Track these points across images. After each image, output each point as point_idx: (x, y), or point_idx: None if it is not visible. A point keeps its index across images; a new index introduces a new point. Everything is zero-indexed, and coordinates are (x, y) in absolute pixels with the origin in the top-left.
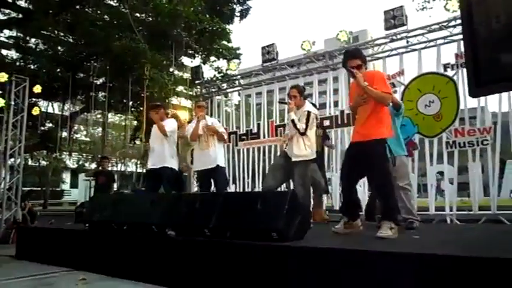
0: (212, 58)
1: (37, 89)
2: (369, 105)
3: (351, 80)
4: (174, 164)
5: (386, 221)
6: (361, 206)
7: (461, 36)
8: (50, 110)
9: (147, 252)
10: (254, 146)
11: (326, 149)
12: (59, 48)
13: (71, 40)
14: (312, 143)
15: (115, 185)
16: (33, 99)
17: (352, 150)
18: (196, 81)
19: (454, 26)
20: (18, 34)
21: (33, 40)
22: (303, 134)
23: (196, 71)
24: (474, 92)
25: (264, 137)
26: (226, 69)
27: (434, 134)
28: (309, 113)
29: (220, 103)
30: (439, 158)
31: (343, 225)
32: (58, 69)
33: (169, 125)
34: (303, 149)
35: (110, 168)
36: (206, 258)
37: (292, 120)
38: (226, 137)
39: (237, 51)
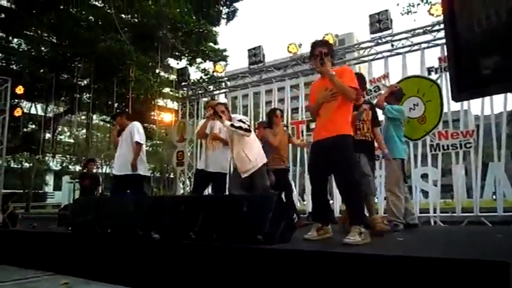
0: (198, 60)
1: (20, 89)
2: (337, 101)
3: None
4: (141, 170)
5: (355, 225)
6: (332, 209)
7: (444, 41)
8: (33, 111)
9: (131, 255)
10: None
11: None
12: (43, 48)
13: (55, 40)
14: (253, 148)
15: (100, 188)
16: (16, 100)
17: (318, 147)
18: (183, 83)
19: (438, 30)
20: (1, 34)
21: (15, 40)
22: (249, 131)
23: (182, 73)
24: (457, 96)
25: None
26: (213, 71)
27: (418, 136)
28: (240, 120)
29: (207, 105)
30: (423, 160)
31: (315, 231)
32: (41, 70)
33: (134, 130)
34: (248, 160)
35: (95, 171)
36: (191, 261)
37: (232, 125)
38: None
39: (224, 53)
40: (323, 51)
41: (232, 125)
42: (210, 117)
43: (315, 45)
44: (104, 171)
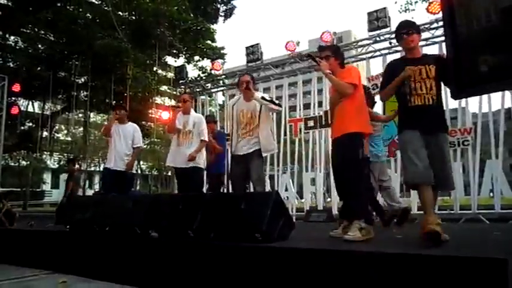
0: (196, 58)
1: (16, 87)
2: (346, 100)
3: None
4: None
5: (355, 220)
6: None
7: (443, 38)
8: (30, 109)
9: (129, 254)
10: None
11: None
12: (40, 46)
13: (52, 38)
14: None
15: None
16: (13, 98)
17: (332, 147)
18: (180, 81)
19: (436, 28)
20: None
21: (12, 38)
22: (281, 106)
23: (180, 71)
24: (456, 94)
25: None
26: (211, 69)
27: None
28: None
29: (205, 103)
30: None
31: (341, 229)
32: (38, 68)
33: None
34: (272, 140)
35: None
36: (189, 259)
37: (263, 97)
38: (205, 138)
39: (222, 51)
40: (323, 56)
41: (263, 98)
42: (177, 111)
43: (318, 50)
44: (101, 169)
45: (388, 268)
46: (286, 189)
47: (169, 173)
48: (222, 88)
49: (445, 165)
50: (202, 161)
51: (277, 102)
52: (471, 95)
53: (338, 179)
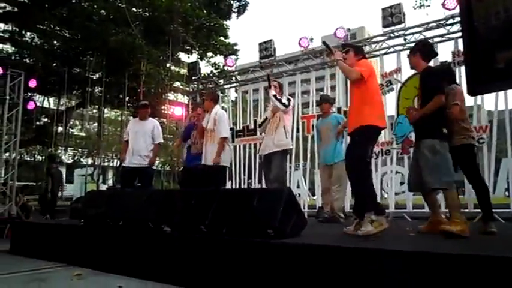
0: (209, 54)
1: (33, 83)
2: (354, 96)
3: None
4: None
5: (366, 214)
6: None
7: (458, 35)
8: (45, 104)
9: (142, 248)
10: (251, 142)
11: None
12: (55, 42)
13: (67, 34)
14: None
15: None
16: (29, 94)
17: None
18: (193, 77)
19: (452, 24)
20: (14, 28)
21: (28, 34)
22: (286, 106)
23: (193, 67)
24: (472, 90)
25: (260, 133)
26: (224, 66)
27: None
28: (288, 98)
29: (218, 99)
30: None
31: (354, 226)
32: (54, 64)
33: (158, 130)
34: (285, 136)
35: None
36: (202, 254)
37: (274, 96)
38: (225, 135)
39: (235, 47)
40: (343, 51)
41: (275, 96)
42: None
43: (342, 46)
44: (114, 164)
45: (400, 265)
46: (298, 186)
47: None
48: (234, 84)
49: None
50: (226, 158)
51: (283, 101)
52: (487, 91)
53: (348, 175)
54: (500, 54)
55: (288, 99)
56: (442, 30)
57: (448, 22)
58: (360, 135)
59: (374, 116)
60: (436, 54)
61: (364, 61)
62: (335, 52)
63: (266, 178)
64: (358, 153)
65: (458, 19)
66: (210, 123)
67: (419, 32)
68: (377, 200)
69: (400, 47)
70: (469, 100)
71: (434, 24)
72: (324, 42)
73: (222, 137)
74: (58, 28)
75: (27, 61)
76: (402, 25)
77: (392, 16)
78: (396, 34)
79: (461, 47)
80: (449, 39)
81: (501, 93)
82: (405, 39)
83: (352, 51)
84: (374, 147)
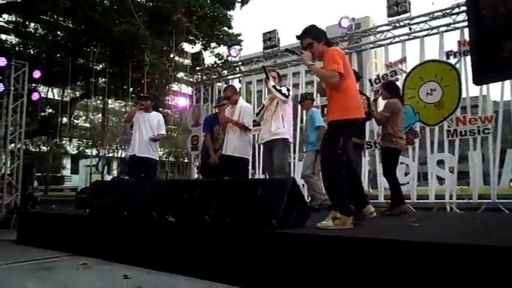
0: (213, 44)
1: (37, 74)
2: (328, 88)
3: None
4: (157, 154)
5: (332, 210)
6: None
7: (464, 24)
8: (49, 95)
9: (147, 237)
10: (255, 133)
11: None
12: (59, 33)
13: (71, 25)
14: (289, 118)
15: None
16: (33, 85)
17: None
18: (197, 68)
19: (457, 13)
20: (18, 19)
21: (32, 25)
22: (286, 96)
23: (196, 57)
24: (478, 79)
25: (259, 122)
26: (227, 56)
27: (435, 122)
28: (288, 88)
29: (221, 90)
30: (439, 146)
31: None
32: (58, 55)
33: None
34: (282, 124)
35: None
36: (206, 244)
37: (274, 86)
38: (248, 126)
39: (238, 38)
40: (305, 44)
41: (274, 86)
42: (224, 108)
43: (298, 39)
44: (119, 155)
45: (404, 256)
46: None
47: (186, 160)
48: (238, 75)
49: None
50: (245, 150)
51: (283, 91)
52: (493, 80)
53: (321, 167)
54: (507, 44)
55: (288, 90)
56: (447, 20)
57: (453, 11)
58: (334, 128)
59: (349, 107)
60: None
61: (332, 50)
62: (303, 54)
63: (265, 167)
64: (328, 146)
65: (463, 8)
66: (236, 115)
67: (425, 21)
68: (346, 197)
69: (405, 37)
70: (474, 90)
71: (439, 13)
72: (287, 50)
73: (246, 126)
74: (62, 19)
75: (31, 52)
76: (407, 14)
77: (397, 5)
78: (401, 24)
79: (467, 37)
80: (455, 28)
81: (507, 83)
82: (410, 29)
83: (315, 41)
84: (351, 139)
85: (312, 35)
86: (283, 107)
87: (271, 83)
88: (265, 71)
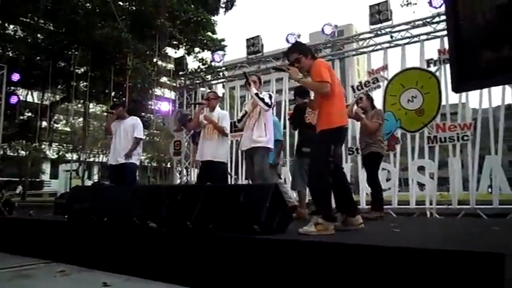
0: (196, 49)
1: (16, 77)
2: (317, 98)
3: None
4: (136, 158)
5: (315, 216)
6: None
7: (444, 33)
8: (29, 98)
9: (127, 244)
10: (237, 138)
11: None
12: (39, 35)
13: (52, 28)
14: (270, 126)
15: (96, 177)
16: (12, 88)
17: None
18: (180, 73)
19: (438, 22)
20: None
21: (11, 27)
22: (268, 106)
23: (180, 62)
24: (457, 87)
25: (241, 128)
26: (211, 61)
27: (416, 128)
28: (270, 94)
29: (205, 95)
30: (420, 152)
31: (341, 222)
32: (38, 57)
33: (137, 126)
34: (264, 133)
35: None
36: (188, 250)
37: (256, 94)
38: (226, 131)
39: (222, 43)
40: (292, 60)
41: (257, 94)
42: (201, 107)
43: (285, 55)
44: (100, 160)
45: (386, 261)
46: (286, 182)
47: (168, 165)
48: (222, 80)
49: None
50: (223, 155)
51: (266, 100)
52: (472, 88)
53: (309, 173)
54: (485, 53)
55: (270, 96)
56: (428, 28)
57: (434, 20)
58: (325, 136)
59: (336, 114)
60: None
61: (319, 62)
62: (290, 69)
63: (247, 174)
64: (318, 154)
65: (444, 17)
66: (215, 118)
67: (406, 29)
68: (330, 204)
69: (387, 45)
70: (453, 98)
71: (420, 22)
72: (274, 68)
73: (226, 133)
74: (42, 21)
75: (10, 54)
76: (389, 22)
77: (379, 13)
78: (383, 31)
79: (447, 45)
80: (435, 37)
81: (485, 91)
82: (392, 37)
83: (302, 56)
84: (340, 147)
85: (298, 51)
86: (265, 115)
87: (254, 90)
88: (245, 76)
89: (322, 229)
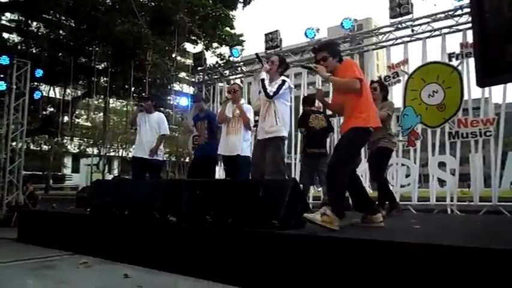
0: (215, 44)
1: (39, 73)
2: (345, 97)
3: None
4: (160, 156)
5: (324, 206)
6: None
7: (467, 26)
8: (51, 94)
9: (148, 237)
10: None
11: None
12: (61, 32)
13: (73, 24)
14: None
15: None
16: (35, 83)
17: None
18: (199, 68)
19: (460, 15)
20: (20, 17)
21: (34, 24)
22: (271, 97)
23: (198, 57)
24: (482, 82)
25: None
26: (229, 56)
27: (437, 124)
28: (283, 81)
29: (223, 90)
30: (441, 148)
31: (361, 218)
32: (60, 53)
33: (163, 122)
34: (275, 121)
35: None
36: (207, 244)
37: (262, 80)
38: (252, 124)
39: (240, 38)
40: (319, 58)
41: (262, 80)
42: (227, 102)
43: (313, 52)
44: (120, 154)
45: (408, 258)
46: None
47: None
48: (240, 75)
49: None
50: (248, 148)
51: (269, 89)
52: (497, 83)
53: (328, 167)
54: (511, 47)
55: (282, 83)
56: (450, 21)
57: (456, 13)
58: (353, 135)
59: (370, 116)
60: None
61: (347, 61)
62: (318, 68)
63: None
64: (341, 152)
65: (466, 10)
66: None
67: (427, 23)
68: (343, 201)
69: (408, 38)
70: (476, 92)
71: (442, 15)
72: (302, 66)
73: (251, 126)
74: (64, 18)
75: (34, 51)
76: (410, 16)
77: (400, 7)
78: (404, 25)
79: (469, 39)
80: (458, 30)
81: (509, 86)
82: (413, 31)
83: (330, 55)
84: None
85: (328, 50)
86: (276, 102)
87: (263, 75)
88: (259, 59)
89: (327, 220)
